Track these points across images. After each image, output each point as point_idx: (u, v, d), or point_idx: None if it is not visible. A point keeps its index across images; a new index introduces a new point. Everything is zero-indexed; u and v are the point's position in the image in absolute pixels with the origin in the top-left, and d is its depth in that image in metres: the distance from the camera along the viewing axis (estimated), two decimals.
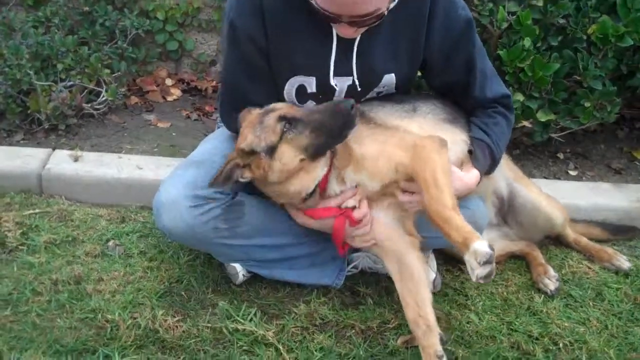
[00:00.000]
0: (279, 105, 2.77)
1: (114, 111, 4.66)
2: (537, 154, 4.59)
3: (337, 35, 2.79)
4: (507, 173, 3.46)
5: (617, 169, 4.50)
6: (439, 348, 2.68)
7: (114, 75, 4.63)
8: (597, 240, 3.70)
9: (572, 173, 4.41)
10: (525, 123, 4.23)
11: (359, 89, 2.96)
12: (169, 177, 2.94)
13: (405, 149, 2.74)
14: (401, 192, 2.79)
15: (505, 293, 3.24)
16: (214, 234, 2.88)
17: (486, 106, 3.04)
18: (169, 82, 5.24)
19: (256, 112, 2.78)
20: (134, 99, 4.93)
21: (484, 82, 3.00)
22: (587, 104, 4.13)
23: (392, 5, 2.63)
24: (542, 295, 3.24)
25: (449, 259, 3.39)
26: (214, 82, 5.29)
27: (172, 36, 5.22)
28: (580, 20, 4.06)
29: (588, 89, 4.12)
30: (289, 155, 2.65)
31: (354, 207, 2.81)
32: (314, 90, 2.94)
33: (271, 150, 2.65)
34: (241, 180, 2.73)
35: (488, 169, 2.96)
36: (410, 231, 2.94)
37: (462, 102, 3.10)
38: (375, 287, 3.22)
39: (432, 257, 3.23)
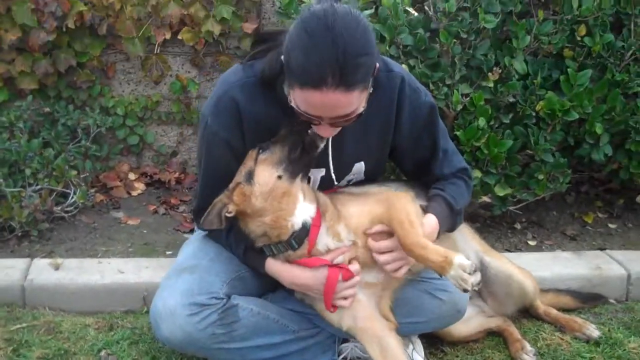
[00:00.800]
0: None
1: (82, 211, 4.70)
2: (496, 225, 4.80)
3: None
4: (475, 247, 3.61)
5: (572, 236, 4.73)
6: None
7: (82, 176, 4.68)
8: (567, 308, 3.89)
9: (532, 243, 4.62)
10: (485, 198, 4.46)
11: (336, 182, 3.14)
12: (163, 288, 3.02)
13: (381, 204, 2.96)
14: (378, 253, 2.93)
15: None
16: (212, 340, 2.96)
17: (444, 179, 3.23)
18: (132, 176, 5.31)
19: None
20: (99, 196, 4.98)
21: (444, 161, 3.20)
22: (540, 177, 4.38)
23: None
24: None
25: (432, 342, 3.51)
26: (176, 173, 5.39)
27: (132, 131, 5.32)
28: (529, 98, 4.32)
29: (540, 161, 4.37)
30: (264, 174, 2.83)
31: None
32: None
33: (249, 176, 2.83)
34: (227, 215, 2.84)
35: (449, 223, 3.12)
36: (387, 315, 3.09)
37: (423, 178, 3.29)
38: None
39: (418, 342, 3.36)
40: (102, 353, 3.35)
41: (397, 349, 3.01)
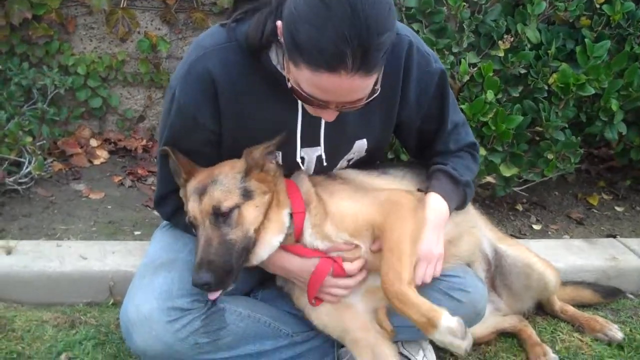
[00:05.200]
0: None
1: (39, 183, 4.18)
2: (496, 207, 4.43)
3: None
4: (488, 233, 3.23)
5: (578, 220, 4.39)
6: None
7: (37, 143, 4.14)
8: (586, 304, 3.54)
9: (536, 227, 4.27)
10: (489, 178, 4.07)
11: (325, 163, 2.72)
12: (136, 289, 2.55)
13: (379, 206, 2.57)
14: None
15: None
16: (195, 351, 2.52)
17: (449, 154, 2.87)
18: (93, 143, 4.81)
19: None
20: (57, 165, 4.46)
21: (451, 135, 2.83)
22: (550, 156, 3.99)
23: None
24: None
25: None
26: (144, 140, 4.89)
27: (95, 92, 4.80)
28: (541, 70, 3.93)
29: (550, 140, 3.98)
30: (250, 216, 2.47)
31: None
32: (280, 163, 2.67)
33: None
34: None
35: (457, 198, 2.76)
36: (382, 321, 2.73)
37: (427, 155, 2.91)
38: None
39: (429, 347, 2.96)
40: (62, 357, 2.87)
41: (391, 358, 2.66)
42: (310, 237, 2.57)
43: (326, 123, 2.55)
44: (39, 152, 4.13)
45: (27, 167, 4.03)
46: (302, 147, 2.64)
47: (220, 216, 2.40)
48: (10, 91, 4.35)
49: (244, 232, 2.42)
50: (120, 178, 4.48)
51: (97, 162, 4.68)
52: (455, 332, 2.28)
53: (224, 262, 2.36)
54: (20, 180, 4.03)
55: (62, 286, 3.26)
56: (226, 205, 2.40)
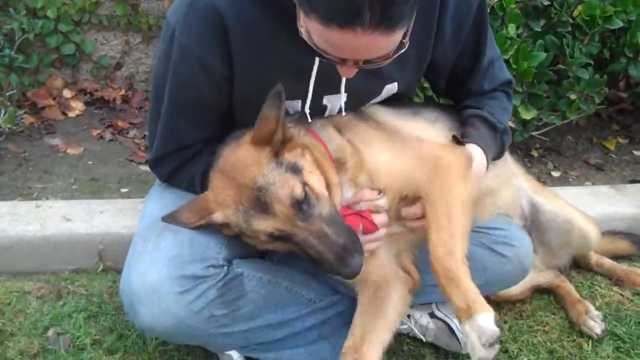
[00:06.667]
0: None
1: (9, 138, 3.76)
2: (509, 153, 4.08)
3: None
4: (524, 184, 2.94)
5: (598, 165, 4.10)
6: None
7: (7, 93, 3.71)
8: (622, 256, 3.26)
9: (555, 174, 3.96)
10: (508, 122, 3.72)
11: (345, 110, 2.36)
12: (139, 253, 2.17)
13: (422, 162, 2.23)
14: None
15: (548, 343, 2.72)
16: (210, 324, 2.16)
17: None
18: (67, 93, 4.36)
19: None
20: (29, 118, 4.02)
21: (487, 73, 2.53)
22: (573, 96, 3.66)
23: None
24: (590, 340, 2.73)
25: None
26: (122, 90, 4.46)
27: (67, 38, 4.33)
28: (565, 1, 3.57)
29: (574, 78, 3.64)
30: None
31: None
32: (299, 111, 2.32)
33: None
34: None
35: (496, 147, 2.52)
36: (407, 268, 2.41)
37: (458, 95, 2.63)
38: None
39: None
40: (51, 333, 2.50)
41: (390, 303, 2.36)
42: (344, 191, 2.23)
43: None
44: (8, 104, 3.70)
45: None
46: (324, 94, 2.29)
47: (303, 205, 2.02)
48: None
49: (324, 198, 2.08)
50: (99, 131, 4.06)
51: (72, 114, 4.24)
52: (482, 335, 1.95)
53: (349, 235, 2.03)
54: None
55: (44, 252, 2.88)
56: (298, 190, 2.02)
